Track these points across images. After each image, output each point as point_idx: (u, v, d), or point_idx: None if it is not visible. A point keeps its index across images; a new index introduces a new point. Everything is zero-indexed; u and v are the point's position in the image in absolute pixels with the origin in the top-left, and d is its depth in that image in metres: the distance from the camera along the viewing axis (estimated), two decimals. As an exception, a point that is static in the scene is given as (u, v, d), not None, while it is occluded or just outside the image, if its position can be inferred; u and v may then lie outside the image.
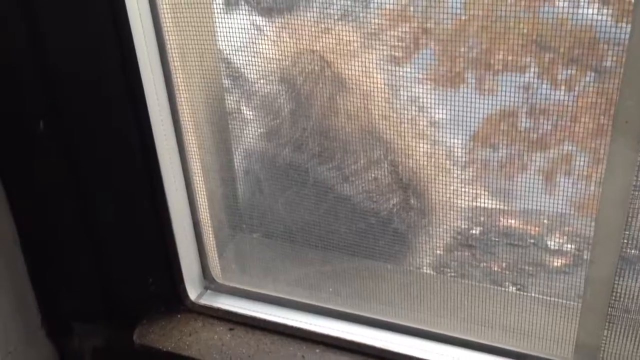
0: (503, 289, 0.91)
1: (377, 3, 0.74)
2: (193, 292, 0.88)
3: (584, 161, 0.70)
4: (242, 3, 0.83)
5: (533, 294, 0.86)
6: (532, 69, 0.72)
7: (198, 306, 0.87)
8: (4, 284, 0.86)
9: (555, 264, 0.98)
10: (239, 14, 0.77)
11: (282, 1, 0.82)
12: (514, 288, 0.92)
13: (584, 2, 0.61)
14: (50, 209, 0.88)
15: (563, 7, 0.60)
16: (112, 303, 0.92)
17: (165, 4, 0.74)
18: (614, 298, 0.68)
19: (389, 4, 0.71)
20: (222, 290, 0.90)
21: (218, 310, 0.86)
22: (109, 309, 0.92)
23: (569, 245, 1.00)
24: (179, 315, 0.87)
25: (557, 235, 1.01)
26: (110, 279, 0.90)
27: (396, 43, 0.78)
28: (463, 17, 0.65)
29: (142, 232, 0.85)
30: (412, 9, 0.69)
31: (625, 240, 0.65)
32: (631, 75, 0.56)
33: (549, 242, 1.01)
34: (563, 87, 0.74)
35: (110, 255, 0.89)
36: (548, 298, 0.80)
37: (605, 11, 0.61)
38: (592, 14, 0.61)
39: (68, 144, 0.81)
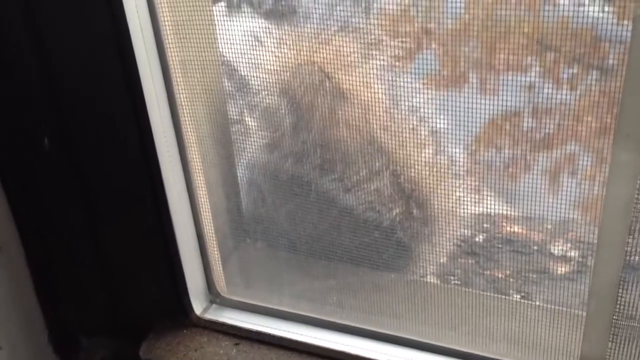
0: (507, 297, 0.91)
1: (376, 9, 0.74)
2: (198, 307, 0.88)
3: (589, 164, 0.69)
4: (244, 7, 0.84)
5: (537, 303, 0.86)
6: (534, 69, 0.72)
7: (204, 321, 0.87)
8: (11, 301, 0.86)
9: (560, 271, 0.98)
10: (240, 26, 0.77)
11: (285, 5, 0.81)
12: (519, 296, 0.92)
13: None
14: (56, 224, 0.88)
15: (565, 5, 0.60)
16: (119, 317, 0.92)
17: (167, 19, 0.74)
18: (618, 309, 0.68)
19: (388, 8, 0.70)
20: (227, 304, 0.90)
21: (223, 324, 0.86)
22: (115, 323, 0.92)
23: (573, 252, 1.00)
24: (184, 330, 0.87)
25: (561, 241, 1.01)
26: (117, 293, 0.91)
27: (396, 50, 0.78)
28: (464, 18, 0.65)
29: (147, 247, 0.85)
30: (413, 10, 0.68)
31: (628, 248, 0.65)
32: (631, 90, 0.57)
33: (552, 249, 1.01)
34: (566, 87, 0.73)
35: (116, 270, 0.89)
36: (553, 307, 0.80)
37: (608, 9, 0.60)
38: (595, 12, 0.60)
39: (72, 159, 0.82)
